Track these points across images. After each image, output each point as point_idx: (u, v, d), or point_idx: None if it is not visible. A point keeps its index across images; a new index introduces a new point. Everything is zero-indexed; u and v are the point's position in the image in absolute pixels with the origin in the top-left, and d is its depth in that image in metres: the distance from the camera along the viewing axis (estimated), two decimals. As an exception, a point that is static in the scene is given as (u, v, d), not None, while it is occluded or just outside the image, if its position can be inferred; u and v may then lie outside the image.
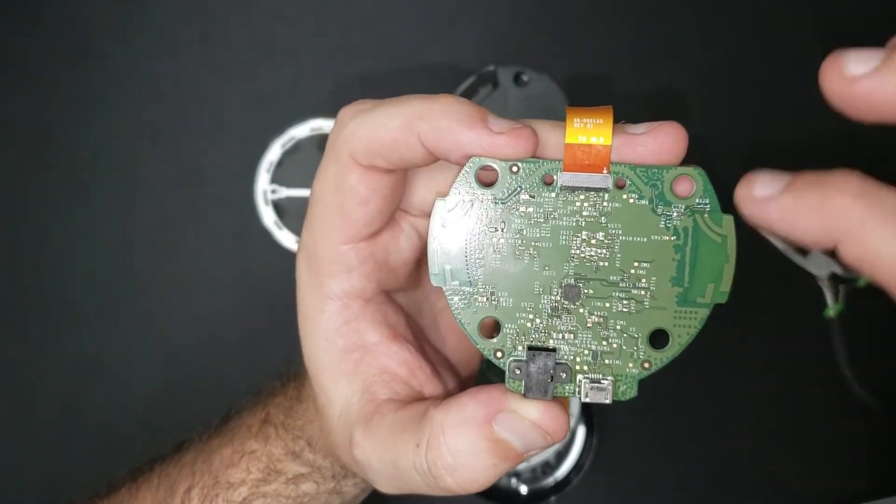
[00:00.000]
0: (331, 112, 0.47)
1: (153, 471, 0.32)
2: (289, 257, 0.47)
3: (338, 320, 0.26)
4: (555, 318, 0.23)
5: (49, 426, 0.47)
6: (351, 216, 0.24)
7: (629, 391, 0.24)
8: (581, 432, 0.45)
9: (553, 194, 0.23)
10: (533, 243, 0.23)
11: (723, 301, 0.22)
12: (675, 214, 0.22)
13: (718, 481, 0.46)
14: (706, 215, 0.22)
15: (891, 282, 0.19)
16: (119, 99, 0.48)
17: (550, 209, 0.23)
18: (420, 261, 0.28)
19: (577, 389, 0.23)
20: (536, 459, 0.42)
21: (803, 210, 0.19)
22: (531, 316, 0.23)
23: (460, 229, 0.23)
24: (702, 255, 0.22)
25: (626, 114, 0.24)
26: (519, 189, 0.23)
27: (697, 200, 0.23)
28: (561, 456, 0.45)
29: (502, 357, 0.24)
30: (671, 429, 0.46)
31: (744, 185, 0.21)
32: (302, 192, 0.48)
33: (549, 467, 0.45)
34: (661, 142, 0.22)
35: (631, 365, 0.23)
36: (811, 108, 0.49)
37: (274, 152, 0.47)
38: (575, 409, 0.43)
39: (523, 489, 0.45)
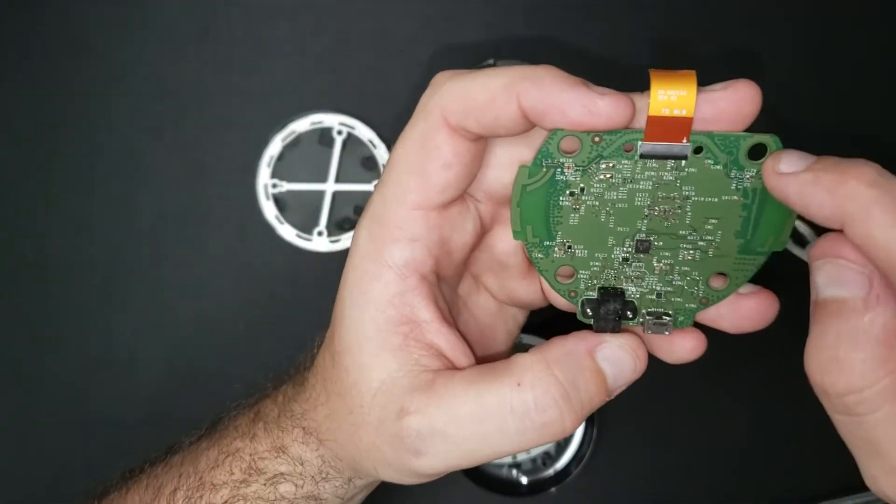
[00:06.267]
0: (331, 106, 0.47)
1: (144, 472, 0.32)
2: (290, 251, 0.48)
3: (391, 290, 0.25)
4: (625, 266, 0.25)
5: (54, 421, 0.48)
6: (430, 178, 0.24)
7: (686, 321, 0.26)
8: (581, 424, 0.45)
9: (632, 161, 0.24)
10: (609, 204, 0.25)
11: (780, 249, 0.24)
12: (746, 177, 0.24)
13: (717, 473, 0.46)
14: None
15: (888, 267, 0.20)
16: (120, 94, 0.48)
17: (628, 175, 0.24)
18: (473, 250, 0.28)
19: (641, 322, 0.26)
20: (536, 451, 0.43)
21: (819, 189, 0.21)
22: (603, 265, 0.26)
23: (542, 193, 0.24)
24: (767, 211, 0.24)
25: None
26: (599, 157, 0.24)
27: None
28: (561, 447, 0.45)
29: (575, 297, 0.26)
30: (670, 421, 0.46)
31: (772, 159, 0.22)
32: (303, 187, 0.48)
33: (549, 458, 0.45)
34: (737, 98, 0.23)
35: (691, 301, 0.26)
36: (818, 101, 0.49)
37: (275, 147, 0.48)
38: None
39: (524, 480, 0.45)
